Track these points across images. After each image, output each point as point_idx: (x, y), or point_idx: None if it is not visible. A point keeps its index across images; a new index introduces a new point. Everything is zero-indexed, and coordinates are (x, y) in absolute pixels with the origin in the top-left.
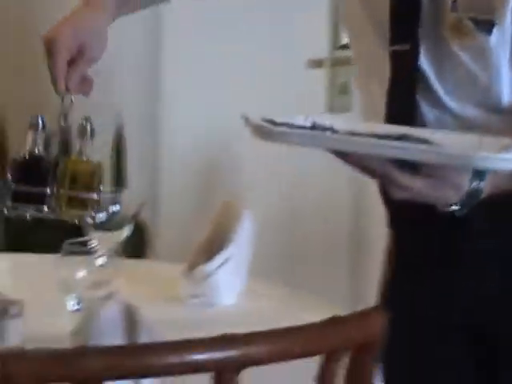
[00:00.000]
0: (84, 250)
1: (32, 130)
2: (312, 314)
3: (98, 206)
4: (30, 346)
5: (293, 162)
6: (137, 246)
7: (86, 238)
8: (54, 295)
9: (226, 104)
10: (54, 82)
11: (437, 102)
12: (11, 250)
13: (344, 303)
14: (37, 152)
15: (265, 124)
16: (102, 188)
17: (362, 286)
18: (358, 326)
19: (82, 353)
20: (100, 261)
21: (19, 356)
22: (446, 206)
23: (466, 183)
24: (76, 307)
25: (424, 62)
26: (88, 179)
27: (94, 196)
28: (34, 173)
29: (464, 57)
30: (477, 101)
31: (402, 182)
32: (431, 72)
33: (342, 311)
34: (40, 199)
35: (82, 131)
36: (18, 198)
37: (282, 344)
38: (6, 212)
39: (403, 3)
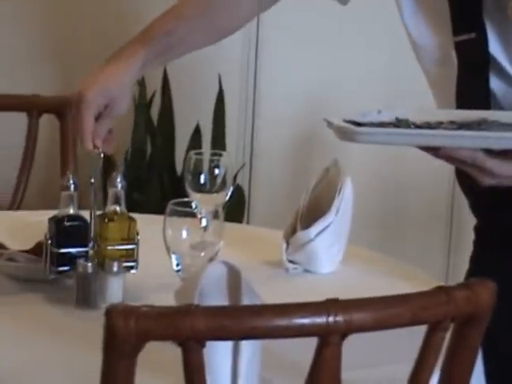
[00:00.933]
0: (187, 211)
1: (64, 192)
2: (411, 284)
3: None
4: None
5: None
6: (235, 210)
7: (189, 199)
8: (157, 255)
9: (324, 71)
10: (81, 138)
11: (510, 83)
12: None
13: (440, 275)
14: (72, 212)
15: (348, 125)
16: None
17: (459, 258)
18: (466, 297)
19: (185, 312)
20: (203, 222)
21: (125, 312)
22: None
23: None
24: (180, 267)
25: (492, 47)
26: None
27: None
28: (72, 234)
29: None
30: None
31: (491, 169)
32: (501, 55)
33: (438, 283)
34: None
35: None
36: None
37: (389, 312)
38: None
39: None
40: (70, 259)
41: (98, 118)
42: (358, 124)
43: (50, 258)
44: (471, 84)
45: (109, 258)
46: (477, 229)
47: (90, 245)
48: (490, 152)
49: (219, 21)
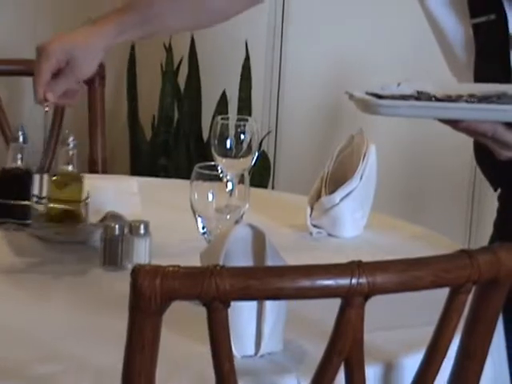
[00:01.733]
0: (213, 175)
1: (13, 143)
2: (434, 248)
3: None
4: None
5: None
6: (260, 175)
7: (215, 163)
8: (184, 218)
9: (352, 37)
10: (35, 90)
11: None
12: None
13: (462, 240)
14: (19, 165)
15: (370, 98)
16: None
17: (480, 225)
18: (489, 260)
19: (211, 273)
20: (229, 186)
21: (151, 272)
22: None
23: None
24: (205, 230)
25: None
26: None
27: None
28: (15, 187)
29: None
30: None
31: (509, 142)
32: None
33: (461, 247)
34: (23, 213)
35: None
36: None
37: (412, 274)
38: None
39: None
40: (8, 210)
41: (57, 74)
42: (380, 97)
43: None
44: (492, 67)
45: (53, 216)
46: (500, 197)
47: (38, 200)
48: (509, 125)
49: (214, 3)
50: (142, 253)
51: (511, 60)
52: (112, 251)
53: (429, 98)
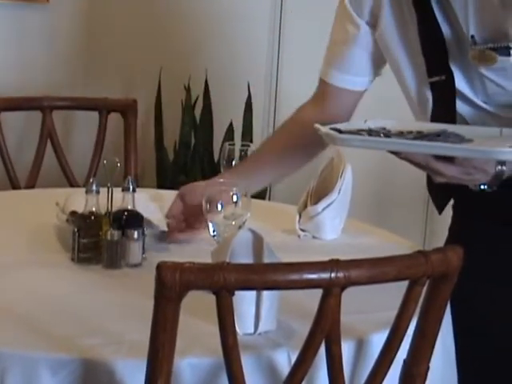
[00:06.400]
0: (223, 189)
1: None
2: (396, 248)
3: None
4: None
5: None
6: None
7: (224, 180)
8: None
9: None
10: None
11: (475, 107)
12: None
13: (418, 240)
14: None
15: (331, 132)
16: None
17: (437, 228)
18: (440, 259)
19: (219, 268)
20: (234, 198)
21: (172, 267)
22: (476, 186)
23: (492, 168)
24: (215, 233)
25: (459, 84)
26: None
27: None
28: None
29: (491, 75)
30: (506, 102)
31: (440, 170)
32: (467, 90)
33: (418, 248)
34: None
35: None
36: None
37: (379, 270)
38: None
39: (432, 47)
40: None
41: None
42: (340, 131)
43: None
44: (442, 113)
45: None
46: (454, 207)
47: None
48: (438, 157)
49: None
50: (135, 254)
51: (459, 106)
52: (111, 253)
53: (378, 134)
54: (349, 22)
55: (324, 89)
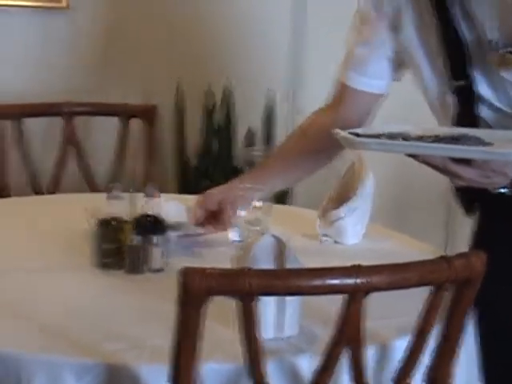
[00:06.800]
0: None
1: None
2: (419, 253)
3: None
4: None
5: None
6: (281, 194)
7: (246, 185)
8: None
9: None
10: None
11: (497, 111)
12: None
13: (441, 245)
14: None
15: (349, 136)
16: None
17: (458, 232)
18: (463, 264)
19: (242, 273)
20: (256, 204)
21: (195, 273)
22: (495, 188)
23: (511, 171)
24: (237, 238)
25: (481, 89)
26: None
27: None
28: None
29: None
30: None
31: (458, 173)
32: (489, 94)
33: (441, 253)
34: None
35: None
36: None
37: (401, 276)
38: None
39: (452, 51)
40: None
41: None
42: (358, 135)
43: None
44: (464, 117)
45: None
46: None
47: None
48: (456, 160)
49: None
50: (157, 259)
51: (482, 110)
52: (133, 258)
53: (396, 138)
54: (367, 24)
55: (341, 91)
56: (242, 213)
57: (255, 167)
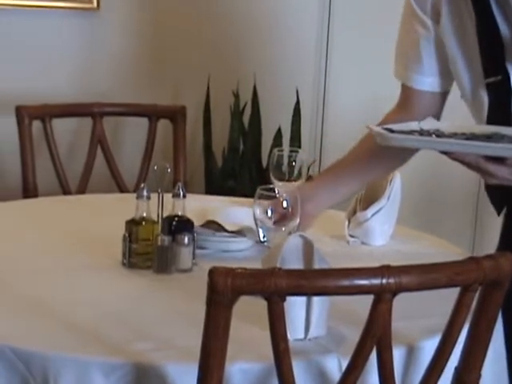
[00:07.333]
0: (271, 195)
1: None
2: (447, 254)
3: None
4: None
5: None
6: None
7: (273, 186)
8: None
9: (386, 84)
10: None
11: None
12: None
13: (468, 247)
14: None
15: (383, 131)
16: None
17: (486, 233)
18: (492, 265)
19: (271, 274)
20: (284, 204)
21: (224, 273)
22: None
23: None
24: (266, 239)
25: None
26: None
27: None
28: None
29: None
30: None
31: (490, 171)
32: None
33: (469, 254)
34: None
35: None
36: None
37: (430, 276)
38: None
39: (489, 46)
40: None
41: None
42: (392, 131)
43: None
44: (498, 114)
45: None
46: (507, 214)
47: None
48: (489, 158)
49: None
50: (186, 259)
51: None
52: (162, 258)
53: (429, 134)
54: (417, 21)
55: (406, 93)
56: (269, 213)
57: (326, 170)
